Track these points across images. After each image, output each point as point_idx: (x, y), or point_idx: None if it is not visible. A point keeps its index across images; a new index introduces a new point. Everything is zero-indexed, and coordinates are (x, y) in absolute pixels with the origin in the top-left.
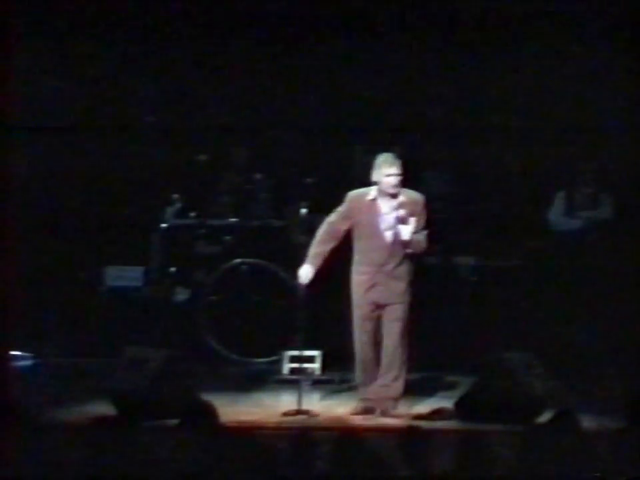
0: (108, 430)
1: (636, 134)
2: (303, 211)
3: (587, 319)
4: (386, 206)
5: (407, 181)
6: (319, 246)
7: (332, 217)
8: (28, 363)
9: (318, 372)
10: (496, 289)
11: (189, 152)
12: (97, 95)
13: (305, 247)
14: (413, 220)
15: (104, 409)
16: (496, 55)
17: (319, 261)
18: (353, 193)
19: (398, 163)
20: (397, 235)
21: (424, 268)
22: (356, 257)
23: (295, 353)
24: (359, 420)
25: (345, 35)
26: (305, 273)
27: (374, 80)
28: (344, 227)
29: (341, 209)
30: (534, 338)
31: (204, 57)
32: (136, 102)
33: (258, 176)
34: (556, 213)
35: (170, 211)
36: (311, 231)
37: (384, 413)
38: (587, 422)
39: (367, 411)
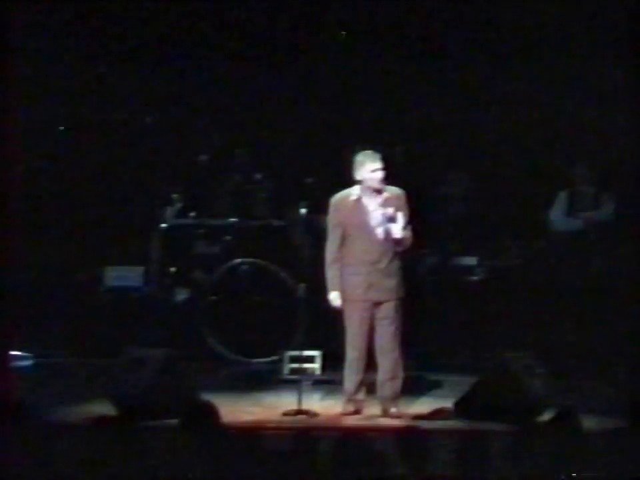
0: (108, 430)
1: (636, 134)
2: (303, 210)
3: (588, 319)
4: (372, 203)
5: (409, 180)
6: (333, 268)
7: (330, 238)
8: (28, 362)
9: (318, 372)
10: (496, 289)
11: (189, 152)
12: (97, 95)
13: (304, 247)
14: (400, 216)
15: (104, 408)
16: (498, 58)
17: (340, 280)
18: (336, 197)
19: (380, 158)
20: (387, 233)
21: (424, 268)
22: (346, 258)
23: (295, 353)
24: (359, 420)
25: (346, 36)
26: (335, 298)
27: (374, 80)
28: (341, 236)
29: (330, 222)
30: (534, 338)
31: (205, 58)
32: (137, 102)
33: (258, 176)
34: (557, 213)
35: (170, 210)
36: (311, 231)
37: (383, 413)
38: (588, 422)
39: (357, 411)
